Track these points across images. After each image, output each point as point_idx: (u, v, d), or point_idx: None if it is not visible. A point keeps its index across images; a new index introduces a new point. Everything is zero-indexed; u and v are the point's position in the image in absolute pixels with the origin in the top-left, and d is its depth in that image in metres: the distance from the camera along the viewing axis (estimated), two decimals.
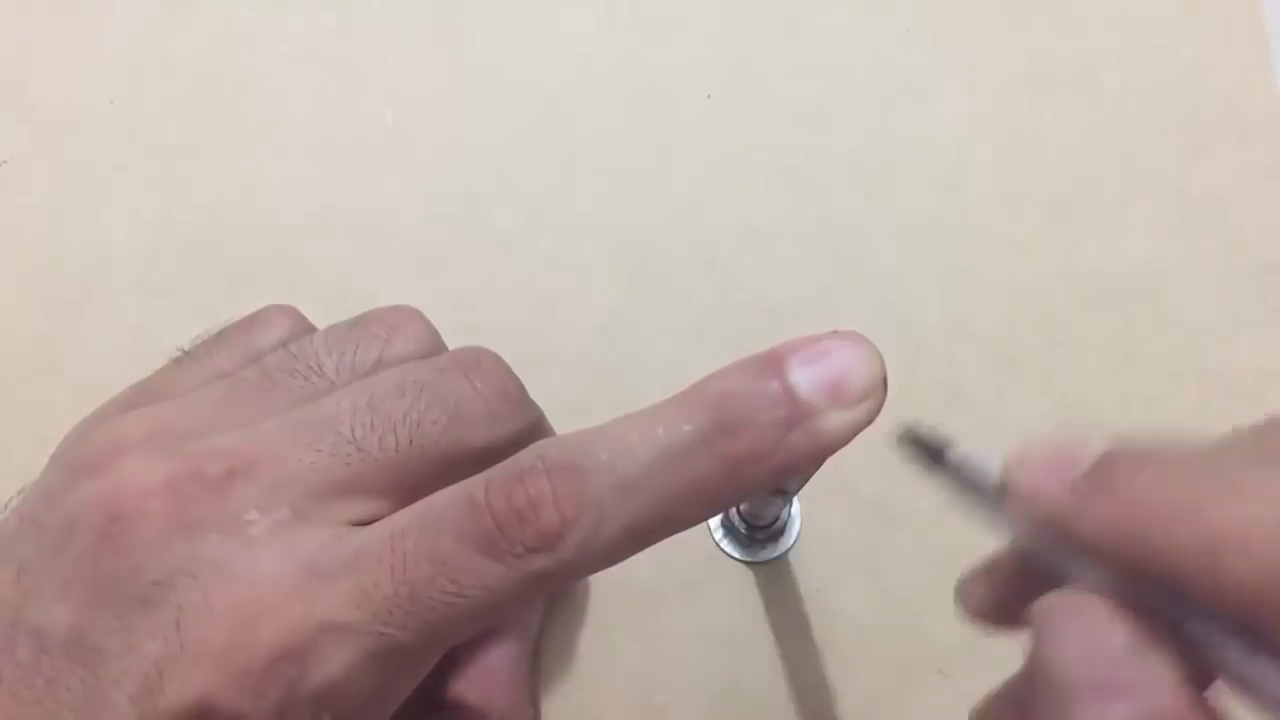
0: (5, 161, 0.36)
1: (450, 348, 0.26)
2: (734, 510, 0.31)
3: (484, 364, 0.24)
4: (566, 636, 0.30)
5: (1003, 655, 0.30)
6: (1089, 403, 0.33)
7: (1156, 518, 0.17)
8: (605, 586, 0.31)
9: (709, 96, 0.36)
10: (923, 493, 0.32)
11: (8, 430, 0.33)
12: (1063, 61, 0.36)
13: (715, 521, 0.31)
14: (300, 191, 0.36)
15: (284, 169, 0.36)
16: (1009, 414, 0.33)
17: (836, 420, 0.21)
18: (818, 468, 0.22)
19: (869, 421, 0.21)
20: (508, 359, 0.33)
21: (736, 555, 0.31)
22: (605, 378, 0.33)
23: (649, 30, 0.37)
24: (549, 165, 0.36)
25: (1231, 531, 0.16)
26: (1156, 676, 0.17)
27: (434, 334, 0.25)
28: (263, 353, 0.25)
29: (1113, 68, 0.36)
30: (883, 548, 0.31)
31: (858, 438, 0.33)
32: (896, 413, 0.32)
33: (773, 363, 0.20)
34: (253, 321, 0.26)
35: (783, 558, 0.31)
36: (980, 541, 0.31)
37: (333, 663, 0.20)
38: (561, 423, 0.33)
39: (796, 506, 0.31)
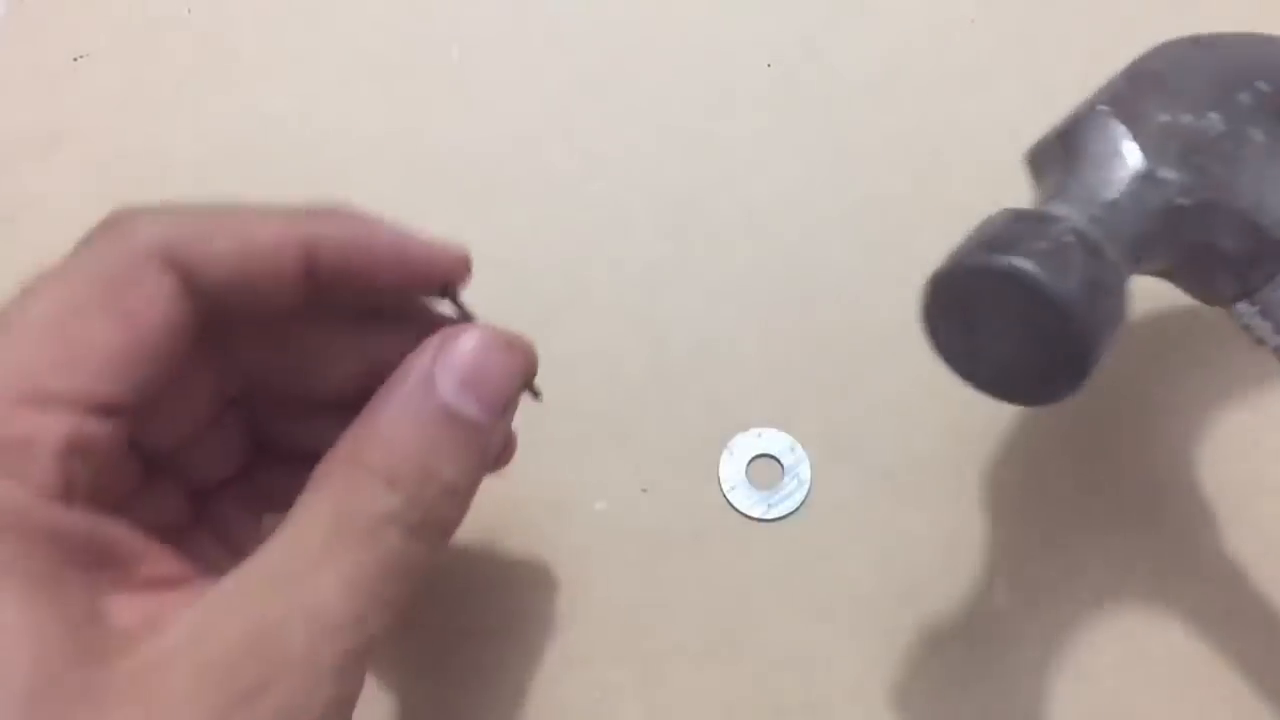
0: (82, 57, 0.37)
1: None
2: (745, 468, 0.32)
3: None
4: (570, 573, 0.31)
5: (998, 641, 0.31)
6: (1113, 404, 0.33)
7: None
8: (612, 529, 0.31)
9: (769, 65, 0.37)
10: (936, 472, 0.32)
11: None
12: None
13: (727, 474, 0.32)
14: (361, 116, 0.37)
15: (348, 93, 0.37)
16: (1031, 411, 0.33)
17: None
18: None
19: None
20: (544, 300, 0.34)
21: (744, 511, 0.31)
22: (635, 326, 0.34)
23: None
24: (604, 115, 0.36)
25: None
26: None
27: None
28: None
29: None
30: (890, 521, 0.32)
31: (877, 411, 0.33)
32: (918, 396, 0.33)
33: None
34: None
35: (791, 519, 0.31)
36: (983, 528, 0.32)
37: None
38: (588, 367, 0.33)
39: (808, 468, 0.32)
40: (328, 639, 0.20)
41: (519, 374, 0.24)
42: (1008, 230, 0.22)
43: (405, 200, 0.36)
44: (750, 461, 0.32)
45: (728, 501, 0.32)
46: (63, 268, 0.21)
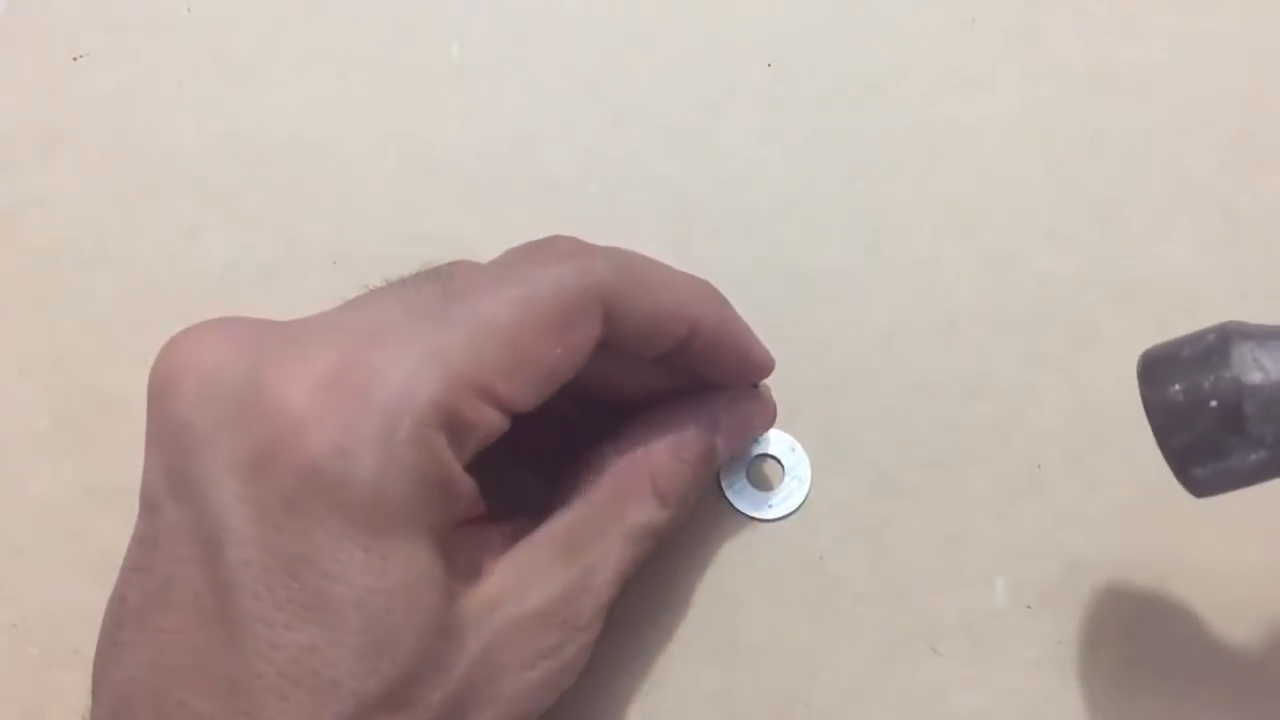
0: (81, 57, 0.37)
1: None
2: (745, 468, 0.32)
3: None
4: None
5: (999, 639, 0.31)
6: (1113, 404, 0.33)
7: None
8: None
9: (769, 65, 0.37)
10: (936, 472, 0.32)
11: (52, 315, 0.34)
12: (1125, 68, 0.36)
13: (727, 474, 0.32)
14: (361, 117, 0.37)
15: (348, 93, 0.37)
16: (1032, 406, 0.33)
17: None
18: None
19: None
20: None
21: (744, 511, 0.31)
22: None
23: None
24: (604, 115, 0.36)
25: None
26: None
27: None
28: None
29: (1174, 79, 0.36)
30: (891, 522, 0.32)
31: (877, 411, 0.33)
32: (918, 396, 0.33)
33: None
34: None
35: (790, 519, 0.31)
36: (983, 528, 0.32)
37: None
38: None
39: (808, 469, 0.32)
40: (599, 615, 0.25)
41: (764, 430, 0.31)
42: None
43: (405, 200, 0.36)
44: (750, 461, 0.32)
45: (728, 501, 0.32)
46: (514, 276, 0.24)
